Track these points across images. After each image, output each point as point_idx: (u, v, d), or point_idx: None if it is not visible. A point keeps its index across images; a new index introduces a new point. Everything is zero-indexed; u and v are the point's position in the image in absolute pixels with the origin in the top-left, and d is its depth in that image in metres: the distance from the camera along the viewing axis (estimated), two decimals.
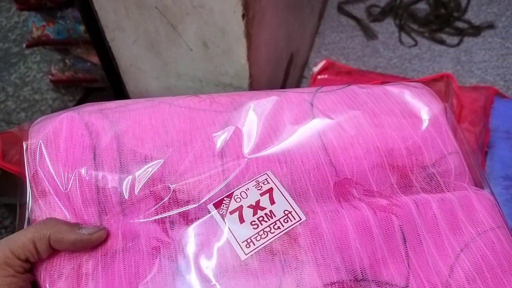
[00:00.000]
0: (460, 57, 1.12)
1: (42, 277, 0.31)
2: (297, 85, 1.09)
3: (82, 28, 0.98)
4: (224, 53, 0.71)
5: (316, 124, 0.37)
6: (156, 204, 0.33)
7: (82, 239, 0.31)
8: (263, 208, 0.32)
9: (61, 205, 0.34)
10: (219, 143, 0.36)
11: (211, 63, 0.74)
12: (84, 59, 1.04)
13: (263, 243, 0.31)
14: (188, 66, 0.77)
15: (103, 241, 0.32)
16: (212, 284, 0.30)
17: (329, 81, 0.88)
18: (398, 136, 0.37)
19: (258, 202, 0.33)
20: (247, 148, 0.36)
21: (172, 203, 0.33)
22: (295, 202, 0.33)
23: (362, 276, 0.30)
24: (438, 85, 0.43)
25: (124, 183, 0.34)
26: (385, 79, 0.91)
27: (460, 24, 1.19)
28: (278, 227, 0.32)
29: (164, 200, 0.33)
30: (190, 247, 0.31)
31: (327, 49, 1.17)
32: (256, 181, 0.34)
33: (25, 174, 0.35)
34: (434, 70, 1.10)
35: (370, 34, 1.19)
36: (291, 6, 0.88)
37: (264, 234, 0.31)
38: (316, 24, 1.20)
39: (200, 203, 0.33)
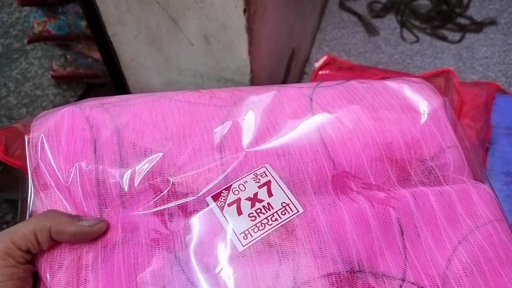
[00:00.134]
0: (462, 53, 1.12)
1: (42, 268, 0.32)
2: (298, 80, 1.09)
3: (83, 23, 0.98)
4: (226, 48, 0.71)
5: (315, 119, 0.37)
6: (156, 197, 0.33)
7: (83, 231, 0.32)
8: (261, 201, 0.33)
9: (62, 198, 0.34)
10: (218, 137, 0.36)
11: (213, 58, 0.74)
12: (86, 54, 1.04)
13: (261, 235, 0.31)
14: (189, 61, 0.77)
15: (103, 233, 0.33)
16: (210, 275, 0.30)
17: (331, 76, 0.88)
18: (397, 130, 0.37)
19: (256, 194, 0.33)
20: (246, 141, 0.36)
21: (171, 196, 0.33)
22: (293, 195, 0.33)
23: (359, 267, 0.31)
24: (438, 80, 0.43)
25: (124, 176, 0.34)
26: (387, 75, 0.91)
27: (462, 20, 1.19)
28: (276, 219, 0.32)
29: (163, 193, 0.33)
30: (189, 239, 0.31)
31: (329, 45, 1.17)
32: (254, 174, 0.34)
33: (26, 168, 0.35)
34: (435, 66, 1.10)
35: (371, 30, 1.19)
36: (292, 2, 0.88)
37: (262, 226, 0.31)
38: (317, 20, 1.20)
39: (199, 195, 0.33)
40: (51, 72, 1.12)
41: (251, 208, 0.32)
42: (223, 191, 0.33)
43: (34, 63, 1.21)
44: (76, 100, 0.39)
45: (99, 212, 0.34)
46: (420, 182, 0.36)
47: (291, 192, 0.33)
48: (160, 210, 0.33)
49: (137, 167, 0.34)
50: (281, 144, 0.36)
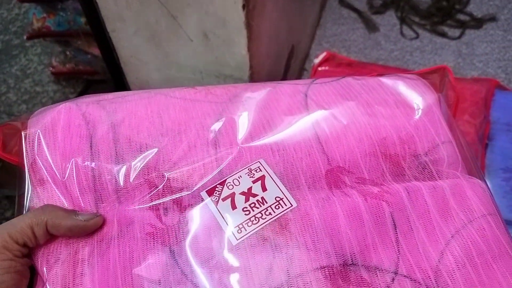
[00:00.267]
0: (461, 49, 1.12)
1: (39, 262, 0.32)
2: (298, 77, 1.09)
3: (82, 19, 0.98)
4: (225, 44, 0.71)
5: (310, 115, 0.38)
6: (151, 192, 0.34)
7: (79, 225, 0.32)
8: (255, 195, 0.33)
9: (58, 193, 0.34)
10: (213, 133, 0.36)
11: (212, 54, 0.74)
12: (85, 51, 1.04)
13: (255, 229, 0.31)
14: (188, 57, 0.77)
15: (99, 227, 0.33)
16: (204, 268, 0.30)
17: (330, 72, 0.88)
18: (391, 125, 0.37)
19: (250, 189, 0.33)
20: (240, 137, 0.36)
21: (166, 191, 0.34)
22: (287, 189, 0.33)
23: (352, 260, 0.31)
24: (434, 77, 0.43)
25: (120, 171, 0.34)
26: (386, 71, 0.91)
27: (461, 17, 1.18)
28: (270, 213, 0.32)
29: (159, 188, 0.34)
30: (183, 233, 0.32)
31: (328, 42, 1.17)
32: (248, 169, 0.34)
33: (23, 163, 0.35)
34: (435, 62, 1.10)
35: (371, 27, 1.19)
36: None
37: (256, 220, 0.32)
38: (317, 16, 1.20)
39: (194, 190, 0.34)
40: (51, 69, 1.12)
41: (245, 202, 0.33)
42: (217, 185, 0.33)
43: (34, 59, 1.21)
44: (76, 97, 0.40)
45: (95, 207, 0.34)
46: (414, 177, 0.36)
47: (285, 186, 0.34)
48: (155, 204, 0.33)
49: (132, 163, 0.34)
50: (276, 140, 0.36)
